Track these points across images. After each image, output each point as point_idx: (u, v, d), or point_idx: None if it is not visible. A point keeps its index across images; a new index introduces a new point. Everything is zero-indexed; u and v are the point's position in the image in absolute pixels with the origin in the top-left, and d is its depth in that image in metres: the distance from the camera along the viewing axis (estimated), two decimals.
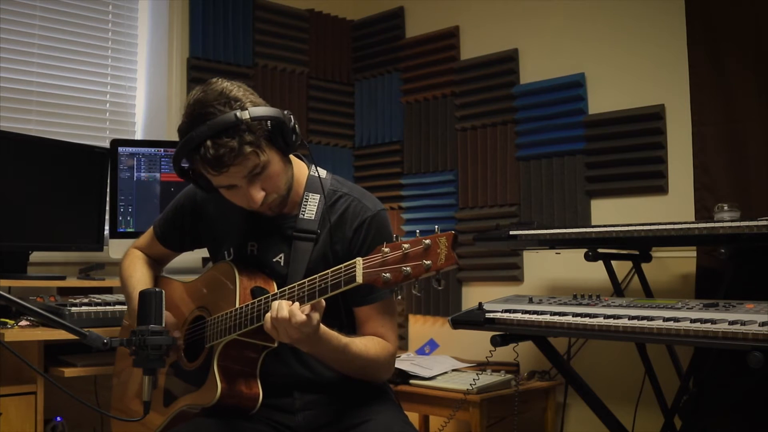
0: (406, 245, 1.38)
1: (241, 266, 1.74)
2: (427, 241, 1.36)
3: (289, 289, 1.56)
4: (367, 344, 1.69)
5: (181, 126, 1.65)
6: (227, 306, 1.68)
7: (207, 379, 1.67)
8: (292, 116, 1.66)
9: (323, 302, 1.49)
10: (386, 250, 1.40)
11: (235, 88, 1.64)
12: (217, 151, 1.56)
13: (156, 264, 2.05)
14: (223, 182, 1.65)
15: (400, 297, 1.44)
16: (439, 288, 1.40)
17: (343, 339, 1.63)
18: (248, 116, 1.58)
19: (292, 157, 1.78)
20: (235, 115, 1.57)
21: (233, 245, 1.83)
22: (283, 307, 1.48)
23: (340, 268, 1.46)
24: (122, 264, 2.02)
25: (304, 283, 1.52)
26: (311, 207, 1.76)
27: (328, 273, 1.48)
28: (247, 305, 1.62)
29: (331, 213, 1.75)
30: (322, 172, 1.81)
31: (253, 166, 1.62)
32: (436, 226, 1.41)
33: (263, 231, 1.80)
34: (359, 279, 1.42)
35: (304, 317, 1.47)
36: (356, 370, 1.71)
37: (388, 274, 1.39)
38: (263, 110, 1.61)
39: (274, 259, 1.77)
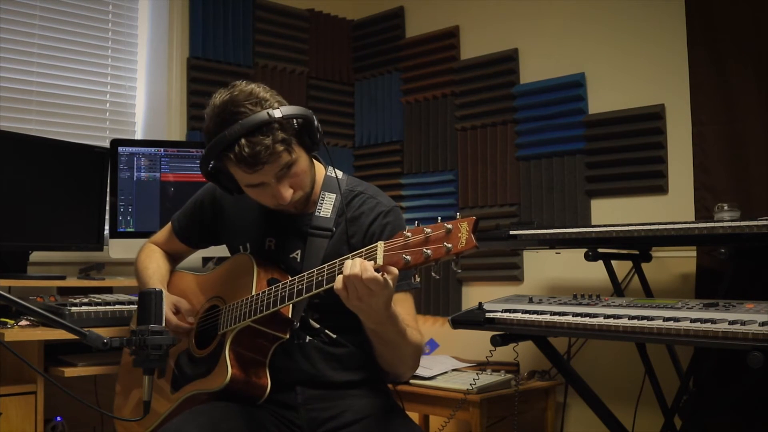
0: (428, 229, 1.41)
1: (259, 259, 1.78)
2: (449, 226, 1.39)
3: (308, 274, 1.57)
4: (413, 331, 1.69)
5: (209, 127, 1.67)
6: (243, 295, 1.70)
7: (218, 364, 1.68)
8: (314, 116, 1.71)
9: (396, 271, 1.46)
10: (408, 234, 1.43)
11: (261, 90, 1.69)
12: (252, 149, 1.60)
13: (171, 260, 2.08)
14: (254, 181, 1.67)
15: (419, 279, 1.46)
16: (459, 271, 1.43)
17: (403, 324, 1.63)
18: (280, 115, 1.63)
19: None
20: (268, 113, 1.62)
21: (250, 240, 1.86)
22: (356, 264, 1.45)
23: (362, 251, 1.48)
24: (138, 257, 2.06)
25: (324, 267, 1.54)
26: (327, 205, 1.80)
27: (348, 257, 1.49)
28: (263, 292, 1.65)
29: (348, 210, 1.79)
30: (339, 173, 1.86)
31: (285, 164, 1.66)
32: (458, 213, 1.44)
33: (280, 227, 1.83)
34: (380, 261, 1.43)
35: (375, 274, 1.43)
36: (404, 358, 1.71)
37: (408, 257, 1.41)
38: (293, 109, 1.67)
39: (291, 255, 1.81)
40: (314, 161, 1.84)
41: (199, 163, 1.74)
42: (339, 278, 1.47)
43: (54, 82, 3.18)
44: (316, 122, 1.71)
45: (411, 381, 2.86)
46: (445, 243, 1.38)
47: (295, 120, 1.67)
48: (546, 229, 2.53)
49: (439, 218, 1.44)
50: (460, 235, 1.37)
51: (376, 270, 1.43)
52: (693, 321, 1.85)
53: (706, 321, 1.83)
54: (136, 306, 1.58)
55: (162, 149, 2.93)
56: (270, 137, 1.61)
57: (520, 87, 3.37)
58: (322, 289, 1.54)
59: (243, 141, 1.60)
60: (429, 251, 1.39)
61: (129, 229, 2.86)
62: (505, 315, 2.22)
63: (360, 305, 1.48)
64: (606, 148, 3.07)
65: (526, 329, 2.19)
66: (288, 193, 1.69)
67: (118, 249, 2.83)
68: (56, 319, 1.52)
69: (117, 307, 2.37)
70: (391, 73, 3.92)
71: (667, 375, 2.60)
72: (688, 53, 2.85)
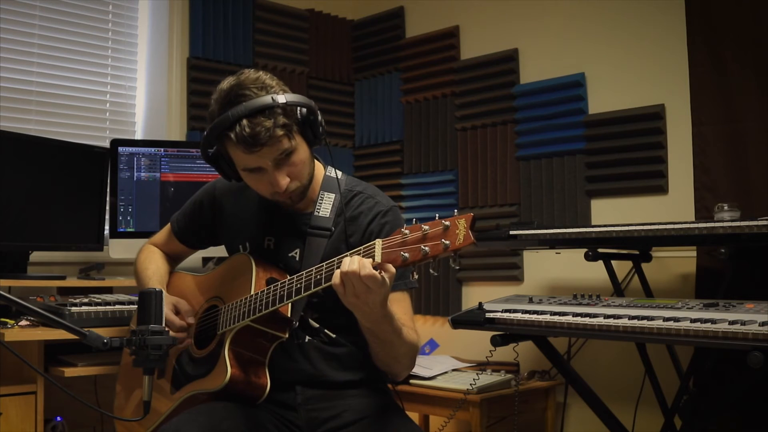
0: (425, 227, 1.41)
1: (258, 258, 1.78)
2: (447, 223, 1.39)
3: (306, 273, 1.57)
4: (409, 331, 1.69)
5: (214, 110, 1.69)
6: (242, 294, 1.71)
7: (217, 364, 1.69)
8: (318, 111, 1.73)
9: (393, 269, 1.47)
10: (406, 231, 1.43)
11: (268, 78, 1.71)
12: (253, 129, 1.62)
13: (171, 261, 2.08)
14: (252, 164, 1.68)
15: (417, 276, 1.45)
16: (457, 268, 1.42)
17: (398, 323, 1.63)
18: (284, 101, 1.65)
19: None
20: (272, 98, 1.64)
21: (249, 240, 1.86)
22: (354, 261, 1.46)
23: (360, 249, 1.49)
24: (137, 258, 2.06)
25: (322, 266, 1.55)
26: (326, 205, 1.81)
27: (347, 254, 1.50)
28: (262, 291, 1.65)
29: (347, 209, 1.80)
30: (338, 173, 1.87)
31: (284, 150, 1.67)
32: (455, 210, 1.44)
33: (279, 227, 1.84)
34: (378, 258, 1.44)
35: (373, 271, 1.44)
36: (399, 357, 1.71)
37: (406, 254, 1.41)
38: (297, 98, 1.68)
39: (290, 254, 1.81)
40: (314, 160, 1.85)
41: (201, 145, 1.74)
42: (336, 273, 1.48)
43: (54, 82, 3.18)
44: (319, 116, 1.73)
45: (411, 381, 2.86)
46: (442, 240, 1.38)
47: (298, 109, 1.69)
48: (546, 229, 2.53)
49: (437, 215, 1.44)
50: (457, 231, 1.37)
51: (374, 268, 1.43)
52: (693, 321, 1.85)
53: (706, 321, 1.83)
54: (136, 306, 1.59)
55: (162, 149, 2.93)
56: (271, 120, 1.63)
57: (520, 87, 3.37)
58: (321, 287, 1.54)
59: (244, 121, 1.62)
60: (427, 248, 1.39)
61: (129, 229, 2.86)
62: (505, 315, 2.22)
63: (357, 302, 1.49)
64: (606, 148, 3.07)
65: (526, 329, 2.19)
66: (284, 181, 1.69)
67: (118, 249, 2.83)
68: (56, 319, 1.52)
69: (117, 307, 2.37)
70: (391, 73, 3.92)
71: (667, 375, 2.60)
72: (688, 53, 2.85)
